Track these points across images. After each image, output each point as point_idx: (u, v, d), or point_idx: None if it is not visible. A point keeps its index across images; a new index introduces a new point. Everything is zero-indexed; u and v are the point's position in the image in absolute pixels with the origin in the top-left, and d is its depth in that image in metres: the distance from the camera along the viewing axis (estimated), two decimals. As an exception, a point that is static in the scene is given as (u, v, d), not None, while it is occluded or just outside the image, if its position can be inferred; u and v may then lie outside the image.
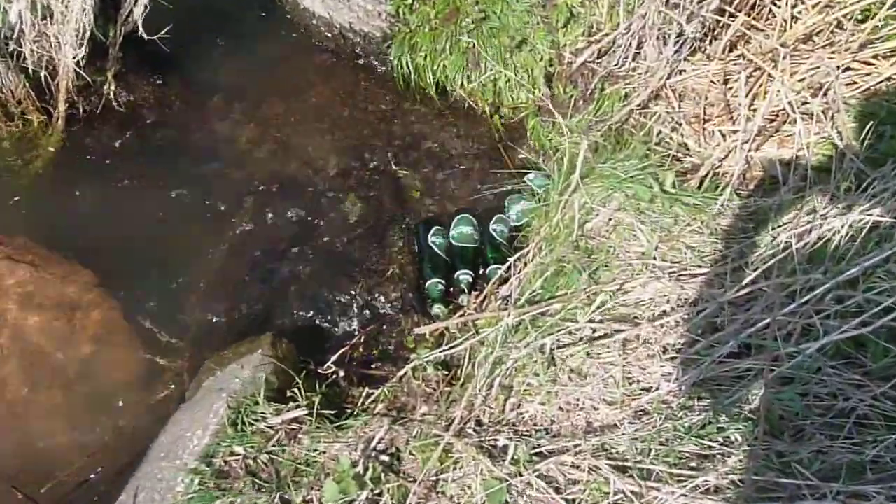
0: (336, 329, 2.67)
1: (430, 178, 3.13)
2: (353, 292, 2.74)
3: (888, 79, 2.36)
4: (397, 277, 2.78)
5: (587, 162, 2.45)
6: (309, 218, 2.98)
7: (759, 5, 2.55)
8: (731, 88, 2.62)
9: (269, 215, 2.97)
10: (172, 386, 2.52)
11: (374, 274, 2.80)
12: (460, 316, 2.39)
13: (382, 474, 1.92)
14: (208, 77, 3.43)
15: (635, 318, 2.01)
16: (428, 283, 2.73)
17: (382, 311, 2.70)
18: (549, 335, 2.01)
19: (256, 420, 2.14)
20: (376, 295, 2.74)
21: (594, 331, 2.01)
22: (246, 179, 3.09)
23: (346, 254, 2.87)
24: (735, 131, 2.53)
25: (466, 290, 2.67)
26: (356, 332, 2.58)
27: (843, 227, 1.90)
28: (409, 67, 3.26)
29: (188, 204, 2.99)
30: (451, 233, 2.87)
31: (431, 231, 2.86)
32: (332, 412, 2.21)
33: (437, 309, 2.64)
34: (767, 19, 2.55)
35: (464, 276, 2.73)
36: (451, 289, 2.75)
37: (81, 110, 3.14)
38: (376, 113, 3.37)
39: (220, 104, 3.37)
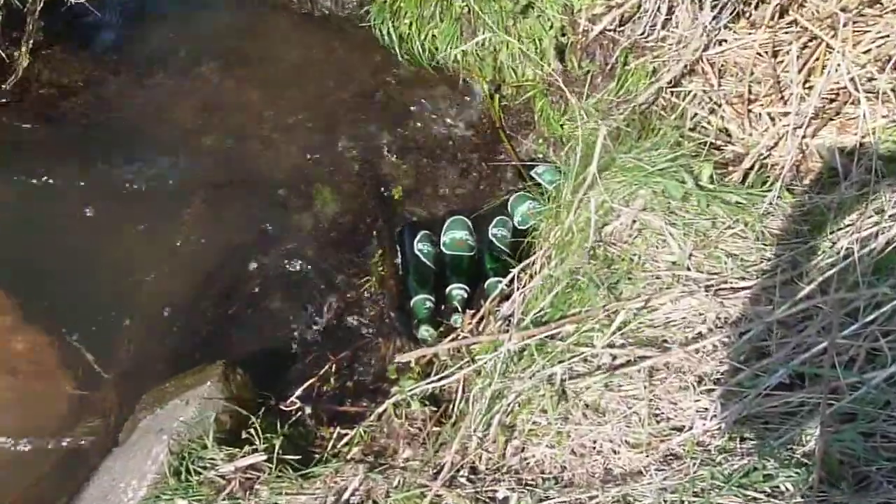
0: (301, 356, 2.66)
1: (417, 170, 3.14)
2: (323, 311, 2.74)
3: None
4: (376, 293, 2.78)
5: (607, 152, 2.45)
6: (269, 219, 2.98)
7: (814, -40, 2.56)
8: (781, 62, 2.62)
9: (222, 217, 2.98)
10: (102, 426, 2.50)
11: (349, 289, 2.80)
12: (452, 340, 2.38)
13: (357, 534, 1.92)
14: (153, 49, 3.44)
15: (664, 341, 2.00)
16: (414, 299, 2.73)
17: (358, 335, 2.70)
18: (560, 363, 2.00)
19: (204, 468, 2.13)
20: (351, 315, 2.74)
21: (614, 357, 2.00)
22: (194, 173, 3.09)
23: (315, 264, 2.87)
24: (786, 114, 2.54)
25: (460, 309, 2.67)
26: (326, 361, 2.55)
27: (916, 230, 1.91)
28: (391, 37, 3.26)
29: (123, 205, 2.98)
30: (442, 238, 2.88)
31: (418, 236, 2.86)
32: (297, 458, 2.19)
33: (425, 331, 2.64)
34: (825, -22, 2.57)
35: (457, 291, 2.73)
36: (442, 306, 2.75)
37: (-10, 92, 3.15)
38: (353, 91, 3.38)
39: (165, 82, 3.38)
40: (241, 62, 3.43)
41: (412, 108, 3.31)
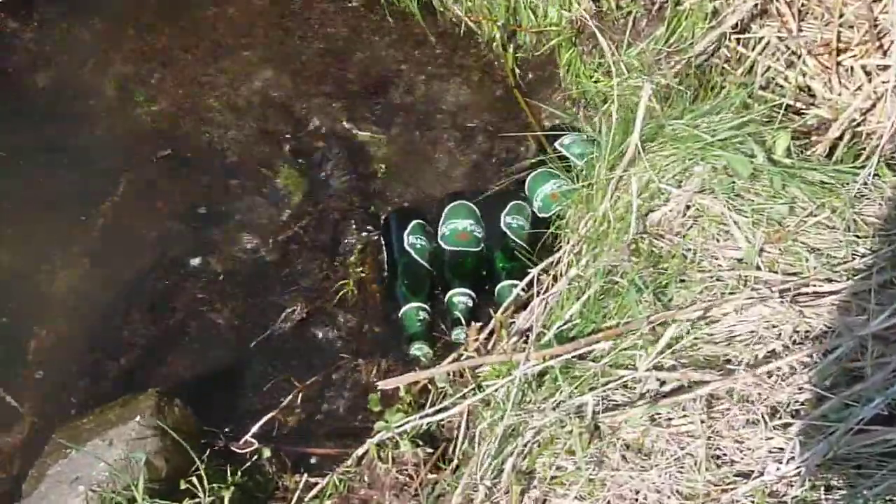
0: (259, 383, 2.67)
1: (408, 143, 3.16)
2: (286, 325, 2.75)
3: None
4: (355, 301, 2.80)
5: (653, 117, 2.46)
6: (216, 207, 3.01)
7: None
8: (879, 0, 2.62)
9: (155, 205, 3.00)
10: (1, 475, 2.51)
11: (319, 296, 2.81)
12: (453, 361, 2.39)
13: None
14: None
15: (727, 362, 2.01)
16: (403, 308, 2.74)
17: (331, 355, 2.71)
18: (592, 390, 2.00)
19: (133, 528, 2.14)
20: (322, 329, 2.75)
21: (662, 383, 2.01)
22: (118, 149, 3.12)
23: (275, 264, 2.90)
24: (885, 68, 2.53)
25: (463, 321, 2.68)
26: (290, 388, 2.56)
27: None
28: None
29: (31, 193, 3.01)
30: (441, 230, 2.90)
31: (409, 227, 2.88)
32: (253, 513, 2.20)
33: (418, 350, 2.65)
34: None
35: (460, 297, 2.74)
36: (441, 318, 2.76)
37: None
38: (326, 42, 3.41)
39: (85, 36, 3.41)
40: (183, 10, 3.44)
41: (401, 66, 3.34)
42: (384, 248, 2.91)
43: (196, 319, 2.79)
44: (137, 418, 2.34)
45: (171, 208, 2.99)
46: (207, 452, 2.30)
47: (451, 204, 2.94)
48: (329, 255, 2.91)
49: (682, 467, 1.92)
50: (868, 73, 2.59)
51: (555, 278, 2.42)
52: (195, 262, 2.90)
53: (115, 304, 2.81)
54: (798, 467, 1.84)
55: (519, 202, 2.92)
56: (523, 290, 2.49)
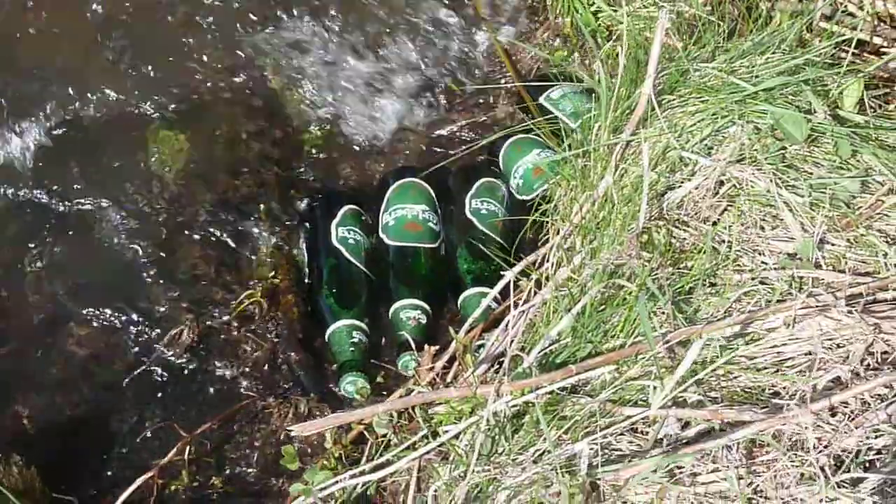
0: (130, 432, 2.67)
1: (336, 98, 3.17)
2: (169, 351, 2.75)
3: None
4: (263, 318, 2.80)
5: (673, 59, 2.47)
6: (71, 183, 3.02)
7: None
8: None
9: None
10: None
11: (214, 311, 2.82)
12: (400, 397, 2.39)
13: None
14: None
15: (774, 394, 2.02)
16: (332, 327, 2.73)
17: (231, 393, 2.71)
18: (588, 435, 2.01)
19: None
20: (217, 356, 2.75)
21: (685, 425, 2.01)
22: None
23: (153, 267, 2.90)
24: None
25: (413, 343, 2.66)
26: (175, 439, 2.56)
27: None
28: None
29: None
30: (382, 218, 2.91)
31: (339, 217, 2.89)
32: None
33: (350, 384, 2.64)
34: None
35: (408, 311, 2.74)
36: (383, 339, 2.78)
37: None
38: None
39: None
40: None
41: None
42: (304, 244, 2.92)
43: (42, 343, 2.79)
44: (-34, 481, 2.35)
45: (7, 191, 3.00)
46: (61, 526, 2.31)
47: (397, 183, 2.94)
48: (228, 255, 2.92)
49: (712, 540, 1.93)
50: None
51: (538, 284, 2.40)
52: (40, 262, 2.91)
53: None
54: (871, 540, 1.85)
55: (490, 180, 2.93)
56: (495, 300, 2.50)
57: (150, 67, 3.21)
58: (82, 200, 2.98)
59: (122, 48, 3.25)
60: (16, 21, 3.28)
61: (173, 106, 3.15)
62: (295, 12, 3.30)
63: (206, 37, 3.26)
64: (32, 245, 2.91)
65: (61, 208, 2.98)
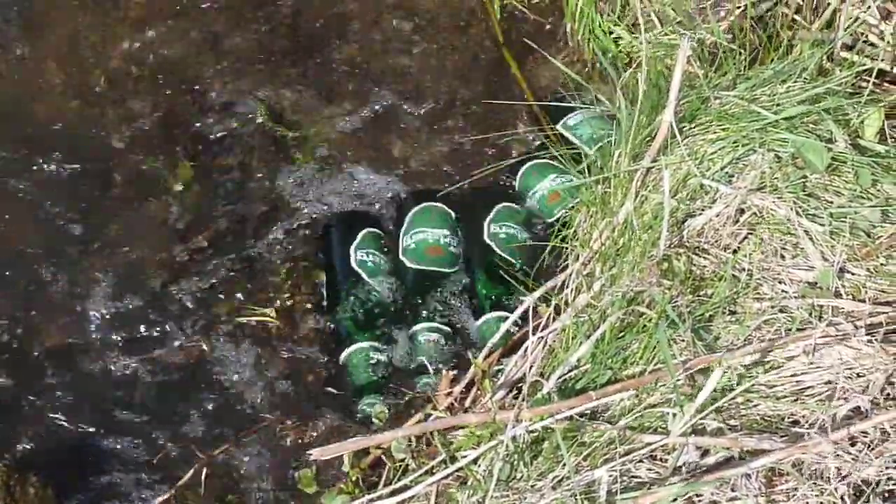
0: (146, 453, 2.66)
1: (355, 123, 3.18)
2: (185, 372, 2.76)
3: None
4: (280, 338, 2.80)
5: (693, 87, 2.47)
6: (85, 214, 3.03)
7: None
8: None
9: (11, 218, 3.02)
10: None
11: (231, 331, 2.83)
12: (417, 422, 2.39)
13: None
14: None
15: (794, 423, 2.02)
16: (349, 350, 2.74)
17: (246, 414, 2.71)
18: (607, 462, 2.01)
19: None
20: (234, 377, 2.76)
21: (704, 453, 2.01)
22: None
23: (170, 289, 2.91)
24: None
25: (431, 367, 2.68)
26: (192, 460, 2.56)
27: None
28: None
29: None
30: (403, 242, 2.91)
31: (358, 239, 2.89)
32: None
33: (368, 405, 2.65)
34: None
35: (427, 334, 2.75)
36: (402, 362, 2.77)
37: None
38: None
39: None
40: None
41: (341, 16, 3.38)
42: (323, 266, 2.92)
43: (59, 366, 2.79)
44: (-24, 500, 2.35)
45: (22, 217, 3.03)
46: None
47: (418, 207, 2.94)
48: (246, 277, 2.92)
49: (731, 571, 1.93)
50: None
51: (557, 309, 2.40)
52: (60, 287, 2.91)
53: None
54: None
55: (509, 205, 2.93)
56: (514, 325, 2.50)
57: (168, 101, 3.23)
58: (104, 231, 3.01)
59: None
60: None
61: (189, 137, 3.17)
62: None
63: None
64: (52, 268, 2.92)
65: (83, 232, 2.99)
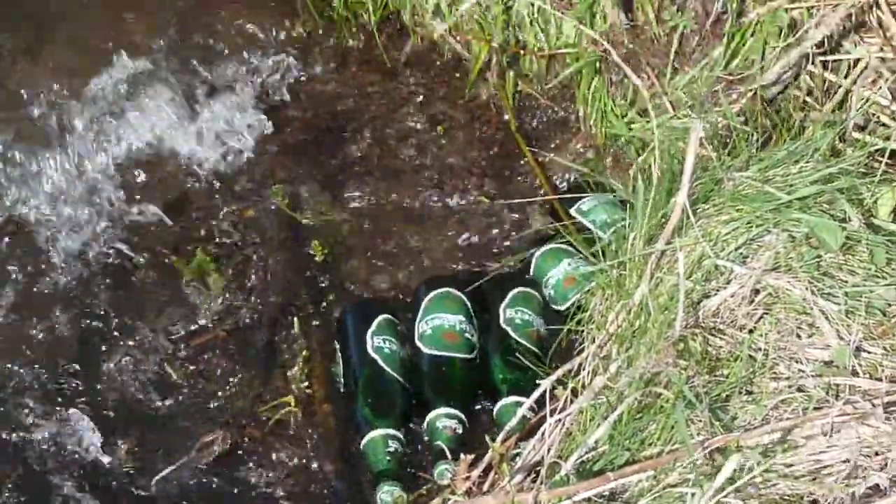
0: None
1: (370, 213, 3.22)
2: (202, 460, 2.74)
3: None
4: (298, 427, 2.80)
5: (707, 169, 2.48)
6: (103, 305, 3.06)
7: None
8: None
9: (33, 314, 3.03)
10: None
11: (248, 420, 2.82)
12: (438, 505, 2.39)
13: None
14: None
15: (812, 502, 2.00)
16: (367, 437, 2.73)
17: (264, 498, 2.70)
18: None
19: None
20: (251, 465, 2.75)
21: None
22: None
23: (189, 379, 2.92)
24: None
25: (449, 453, 2.66)
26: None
27: None
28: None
29: None
30: (419, 328, 2.91)
31: (374, 326, 2.89)
32: None
33: (387, 494, 2.62)
34: None
35: (445, 420, 2.73)
36: (419, 449, 2.77)
37: None
38: (256, 71, 3.47)
39: None
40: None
41: (358, 107, 3.42)
42: (340, 354, 2.92)
43: (76, 454, 2.77)
44: None
45: (35, 311, 3.04)
46: None
47: (433, 293, 2.94)
48: (263, 367, 2.93)
49: None
50: None
51: (574, 392, 2.39)
52: (73, 381, 2.92)
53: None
54: None
55: (524, 290, 2.94)
56: (531, 409, 2.49)
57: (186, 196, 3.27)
58: (121, 323, 3.02)
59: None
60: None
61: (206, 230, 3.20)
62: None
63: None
64: (81, 369, 2.93)
65: (103, 338, 3.00)
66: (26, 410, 2.83)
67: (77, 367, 2.93)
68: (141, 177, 3.30)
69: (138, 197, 3.25)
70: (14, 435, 2.79)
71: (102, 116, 3.36)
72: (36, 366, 2.92)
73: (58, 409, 2.84)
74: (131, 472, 2.75)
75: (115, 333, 2.99)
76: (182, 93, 3.40)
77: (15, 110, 3.36)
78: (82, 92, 3.38)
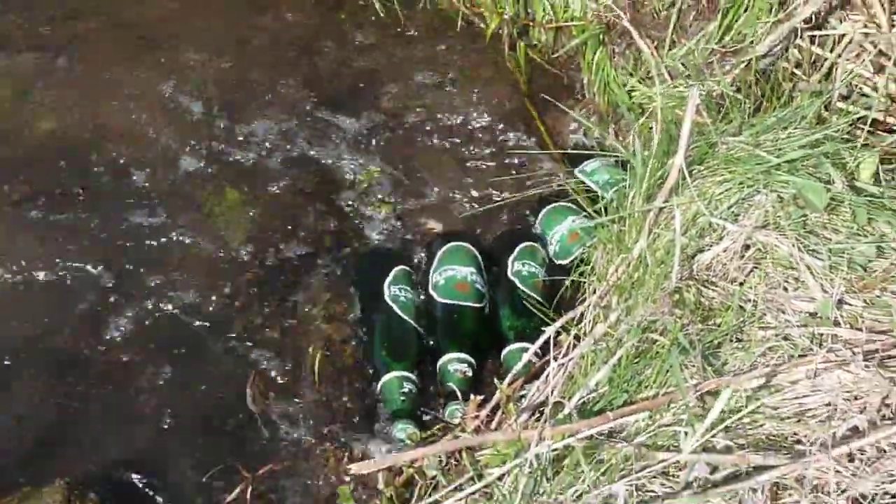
0: (196, 472, 2.66)
1: (389, 168, 3.23)
2: (230, 398, 2.76)
3: None
4: (319, 366, 2.81)
5: (702, 133, 2.50)
6: (141, 246, 3.06)
7: None
8: None
9: (65, 251, 3.04)
10: None
11: (273, 361, 2.84)
12: (448, 441, 2.41)
13: None
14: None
15: (797, 442, 2.02)
16: (384, 378, 2.75)
17: (289, 438, 2.72)
18: (623, 477, 2.01)
19: None
20: (277, 402, 2.76)
21: (713, 469, 2.01)
22: (12, 178, 3.20)
23: (217, 322, 2.93)
24: None
25: (460, 394, 2.69)
26: (237, 479, 2.56)
27: None
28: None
29: None
30: (433, 278, 2.94)
31: (391, 276, 2.92)
32: None
33: (402, 430, 2.66)
34: None
35: (455, 364, 2.76)
36: (432, 390, 2.79)
37: None
38: (284, 35, 3.52)
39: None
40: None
41: (379, 70, 3.44)
42: (359, 300, 2.95)
43: (116, 392, 2.80)
44: (40, 515, 2.36)
45: (84, 252, 3.03)
46: (129, 560, 2.33)
47: (447, 246, 2.97)
48: (287, 311, 2.94)
49: (740, 578, 1.94)
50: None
51: (577, 338, 2.42)
52: (115, 318, 2.92)
53: (14, 369, 2.83)
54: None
55: (531, 244, 2.96)
56: (536, 354, 2.51)
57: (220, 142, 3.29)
58: (154, 264, 3.04)
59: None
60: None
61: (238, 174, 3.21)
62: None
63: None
64: (115, 313, 2.93)
65: (136, 280, 3.02)
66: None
67: (109, 306, 2.96)
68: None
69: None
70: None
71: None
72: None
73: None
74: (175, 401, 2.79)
75: (156, 269, 3.02)
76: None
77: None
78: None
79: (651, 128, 2.51)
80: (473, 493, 2.22)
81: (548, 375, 2.38)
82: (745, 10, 2.87)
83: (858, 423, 2.01)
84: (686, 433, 2.03)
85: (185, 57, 3.47)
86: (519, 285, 2.87)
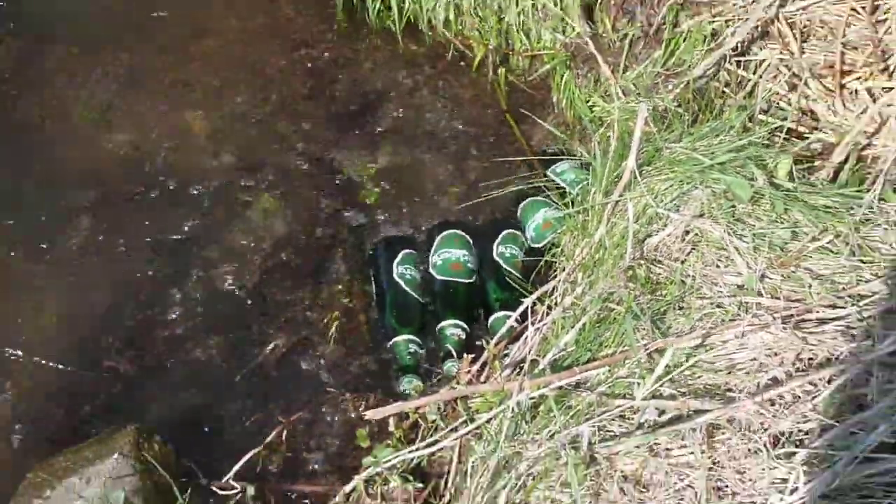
0: (240, 419, 2.69)
1: (396, 170, 3.22)
2: (269, 359, 2.78)
3: None
4: (341, 334, 2.83)
5: (649, 140, 2.49)
6: (189, 239, 3.06)
7: None
8: (884, 20, 2.65)
9: (124, 237, 3.05)
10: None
11: (303, 328, 2.85)
12: (446, 391, 2.39)
13: None
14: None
15: (728, 390, 2.02)
16: (393, 340, 2.77)
17: (317, 389, 2.72)
18: (588, 420, 2.01)
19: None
20: (306, 362, 2.78)
21: (661, 412, 2.02)
22: (83, 180, 3.20)
23: (256, 296, 2.94)
24: (891, 89, 2.57)
25: (455, 353, 2.70)
26: (274, 424, 2.58)
27: None
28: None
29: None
30: (432, 259, 2.94)
31: (398, 257, 2.92)
32: (235, 553, 2.21)
33: (408, 383, 2.67)
34: None
35: (452, 329, 2.77)
36: (432, 351, 2.80)
37: None
38: (308, 62, 3.50)
39: (49, 62, 3.49)
40: (148, 33, 3.57)
41: (387, 89, 3.42)
42: (372, 278, 2.95)
43: (175, 354, 2.81)
44: (115, 456, 2.35)
45: (143, 240, 3.04)
46: (188, 491, 2.32)
47: (444, 233, 2.98)
48: (314, 286, 2.95)
49: (681, 499, 1.92)
50: (873, 96, 2.62)
51: (549, 308, 2.44)
52: (173, 295, 2.93)
53: (92, 338, 2.83)
54: (802, 498, 1.84)
55: (512, 231, 2.97)
56: (517, 320, 2.52)
57: (256, 150, 3.29)
58: (205, 250, 3.05)
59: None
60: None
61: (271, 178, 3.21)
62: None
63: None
64: (174, 289, 2.95)
65: (191, 262, 3.04)
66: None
67: (168, 283, 2.97)
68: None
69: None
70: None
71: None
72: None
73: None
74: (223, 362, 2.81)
75: (199, 264, 3.02)
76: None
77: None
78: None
79: (609, 136, 2.50)
80: (466, 433, 2.24)
81: (526, 338, 2.39)
82: (684, 40, 2.87)
83: (777, 374, 2.02)
84: (638, 384, 2.05)
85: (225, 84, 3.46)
86: (503, 265, 2.89)
